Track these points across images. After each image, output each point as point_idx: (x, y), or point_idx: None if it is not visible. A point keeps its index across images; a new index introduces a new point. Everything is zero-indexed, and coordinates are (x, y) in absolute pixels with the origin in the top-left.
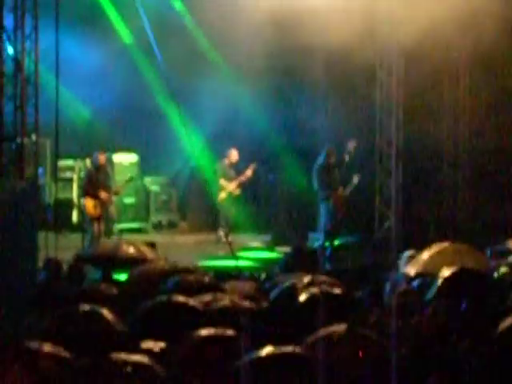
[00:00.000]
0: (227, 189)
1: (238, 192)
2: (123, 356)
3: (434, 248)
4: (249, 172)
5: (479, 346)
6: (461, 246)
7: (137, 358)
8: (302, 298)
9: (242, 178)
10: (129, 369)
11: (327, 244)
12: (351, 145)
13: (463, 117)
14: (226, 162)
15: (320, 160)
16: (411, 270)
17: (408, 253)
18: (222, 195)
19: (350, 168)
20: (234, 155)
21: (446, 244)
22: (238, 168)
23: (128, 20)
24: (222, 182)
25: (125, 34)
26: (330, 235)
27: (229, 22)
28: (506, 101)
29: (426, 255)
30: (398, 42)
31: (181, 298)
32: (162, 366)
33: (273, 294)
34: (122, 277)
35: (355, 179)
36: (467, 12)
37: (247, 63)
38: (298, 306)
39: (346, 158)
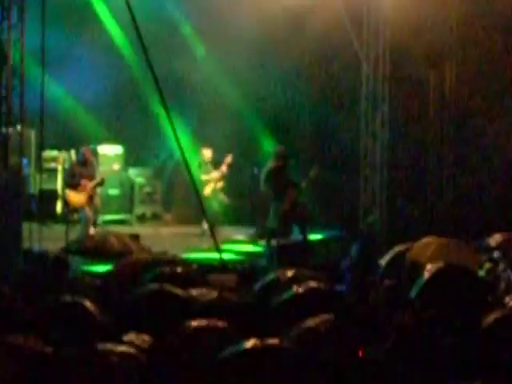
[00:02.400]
0: (211, 182)
1: (221, 184)
2: (108, 346)
3: (422, 243)
4: (228, 159)
5: (463, 341)
6: (448, 241)
7: (122, 348)
8: (286, 295)
9: (224, 169)
10: (114, 358)
11: (272, 243)
12: (313, 171)
13: (449, 112)
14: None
15: (269, 162)
16: (400, 265)
17: (396, 248)
18: (208, 190)
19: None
20: (206, 155)
21: (433, 239)
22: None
23: (116, 13)
24: (204, 176)
25: (114, 32)
26: (273, 234)
27: (214, 13)
28: (495, 94)
29: (414, 250)
30: (385, 35)
31: (171, 288)
32: (148, 357)
33: (256, 288)
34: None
35: (312, 172)
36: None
37: (232, 55)
38: (281, 301)
39: (304, 184)
